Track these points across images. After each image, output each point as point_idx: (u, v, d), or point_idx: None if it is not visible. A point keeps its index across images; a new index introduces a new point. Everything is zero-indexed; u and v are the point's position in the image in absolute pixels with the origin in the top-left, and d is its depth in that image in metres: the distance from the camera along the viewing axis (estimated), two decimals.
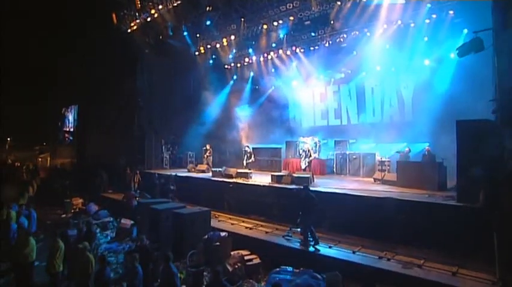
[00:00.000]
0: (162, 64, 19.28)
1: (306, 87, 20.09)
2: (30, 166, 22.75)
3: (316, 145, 16.54)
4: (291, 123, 21.32)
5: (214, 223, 11.70)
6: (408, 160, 13.21)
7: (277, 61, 19.94)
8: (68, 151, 25.93)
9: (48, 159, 27.44)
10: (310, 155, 14.00)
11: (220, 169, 15.59)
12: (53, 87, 25.15)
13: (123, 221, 13.22)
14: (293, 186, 12.04)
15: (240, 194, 13.38)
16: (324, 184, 12.78)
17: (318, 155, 16.47)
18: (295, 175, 12.92)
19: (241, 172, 14.89)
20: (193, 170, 17.58)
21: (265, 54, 19.99)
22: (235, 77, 21.89)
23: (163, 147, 19.75)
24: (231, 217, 12.99)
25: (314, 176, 13.49)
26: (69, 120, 26.13)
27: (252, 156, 15.75)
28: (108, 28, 18.00)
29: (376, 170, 14.59)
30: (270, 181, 13.19)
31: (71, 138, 26.14)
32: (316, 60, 18.12)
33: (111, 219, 14.29)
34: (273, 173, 13.66)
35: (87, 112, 23.46)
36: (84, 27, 20.07)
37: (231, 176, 14.86)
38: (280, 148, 17.97)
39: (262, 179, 13.98)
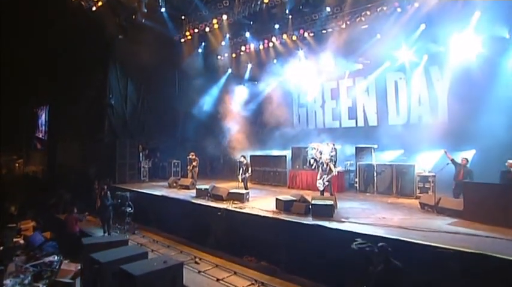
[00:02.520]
0: (139, 54, 14.96)
1: (314, 82, 16.43)
2: None
3: (331, 154, 11.89)
4: (296, 125, 17.74)
5: (191, 278, 7.47)
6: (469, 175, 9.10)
7: (280, 49, 15.87)
8: (40, 157, 21.38)
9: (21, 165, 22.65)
10: (329, 169, 9.27)
11: (206, 187, 11.37)
12: (22, 84, 20.31)
13: (64, 266, 8.80)
14: (312, 221, 7.80)
15: (232, 225, 9.32)
16: (351, 213, 8.61)
17: (334, 166, 11.61)
18: (312, 201, 8.60)
19: (235, 193, 10.60)
20: (174, 185, 13.55)
21: (266, 41, 15.93)
22: (229, 70, 18.26)
23: (141, 155, 15.82)
24: (218, 261, 8.78)
25: (335, 195, 9.41)
26: (42, 122, 21.37)
27: (249, 169, 11.66)
28: (68, 6, 13.56)
29: (416, 188, 10.66)
30: (274, 206, 9.19)
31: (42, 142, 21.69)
32: (329, 48, 14.24)
33: (56, 258, 9.80)
34: (278, 198, 9.26)
35: (58, 113, 19.01)
36: (43, 10, 15.56)
37: (220, 198, 10.65)
38: (285, 157, 14.30)
39: (263, 202, 10.04)
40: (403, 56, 13.37)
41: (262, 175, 14.68)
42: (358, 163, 12.66)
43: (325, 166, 9.75)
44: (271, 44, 15.85)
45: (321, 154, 11.24)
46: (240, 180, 11.74)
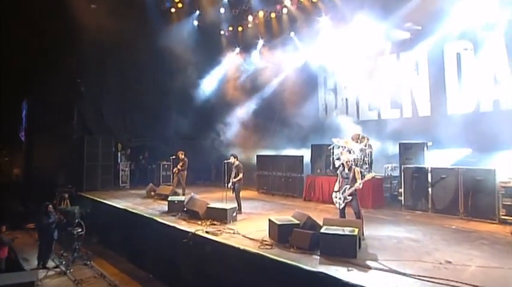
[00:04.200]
0: (119, 27, 12.87)
1: (345, 60, 14.11)
2: None
3: (365, 153, 10.20)
4: (321, 117, 15.74)
5: None
6: None
7: (298, 16, 13.71)
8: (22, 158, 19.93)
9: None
10: (352, 176, 6.96)
11: (181, 199, 9.46)
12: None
13: None
14: (316, 265, 5.26)
15: (202, 260, 7.11)
16: (390, 251, 6.02)
17: (369, 171, 9.38)
18: (324, 227, 6.01)
19: (216, 209, 8.33)
20: (151, 194, 11.79)
21: (278, 7, 13.77)
22: (236, 49, 16.41)
23: (121, 155, 14.49)
24: None
25: (362, 217, 6.79)
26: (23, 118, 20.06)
27: (240, 174, 9.45)
28: None
29: (499, 206, 7.73)
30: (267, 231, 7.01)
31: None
32: (363, 10, 12.17)
33: None
34: (272, 219, 6.87)
35: (35, 106, 17.28)
36: None
37: (196, 216, 8.43)
38: (301, 158, 12.37)
39: (258, 223, 7.88)
40: (471, 16, 10.62)
41: (272, 182, 12.96)
42: (403, 166, 9.86)
43: (346, 170, 6.91)
44: (285, 11, 13.75)
45: (350, 153, 9.62)
46: (228, 186, 9.48)
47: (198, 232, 7.28)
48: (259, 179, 13.18)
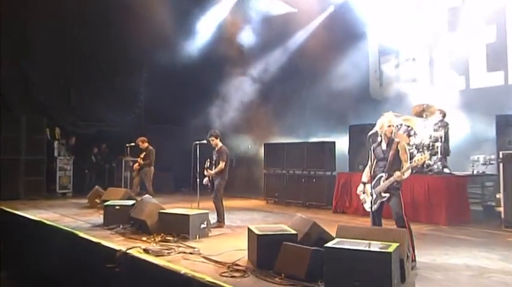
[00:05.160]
0: None
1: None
2: None
3: (438, 137, 10.61)
4: (373, 89, 16.24)
5: None
6: None
7: None
8: None
9: None
10: (391, 161, 6.82)
11: (127, 203, 9.48)
12: None
13: None
14: None
15: None
16: None
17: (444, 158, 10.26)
18: (336, 239, 5.81)
19: (173, 216, 8.34)
20: (95, 202, 12.14)
21: None
22: None
23: (59, 146, 14.84)
24: None
25: (408, 226, 6.57)
26: None
27: (221, 161, 9.60)
28: None
29: None
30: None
31: None
32: None
33: None
34: (251, 229, 6.77)
35: None
36: None
37: (145, 227, 8.39)
38: (332, 144, 12.90)
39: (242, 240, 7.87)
40: None
41: (286, 185, 13.46)
42: (501, 154, 9.32)
43: (383, 145, 6.77)
44: None
45: (409, 136, 10.30)
46: (207, 187, 9.81)
47: (131, 251, 6.72)
48: (267, 181, 13.57)
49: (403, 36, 15.23)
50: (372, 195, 6.55)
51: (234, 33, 16.72)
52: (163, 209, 8.63)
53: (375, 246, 5.00)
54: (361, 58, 16.12)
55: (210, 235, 8.30)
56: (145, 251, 6.79)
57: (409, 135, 10.37)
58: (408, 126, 10.69)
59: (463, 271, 5.97)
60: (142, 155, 12.24)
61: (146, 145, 12.31)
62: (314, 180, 12.48)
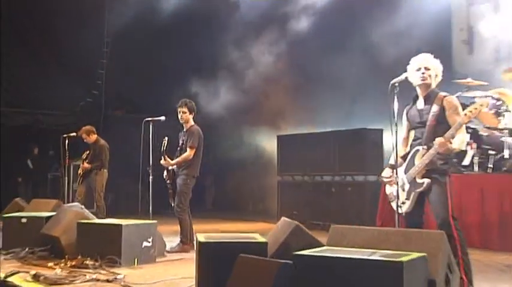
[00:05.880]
0: None
1: None
2: None
3: None
4: (454, 58, 16.09)
5: None
6: None
7: None
8: None
9: None
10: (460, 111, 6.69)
11: (37, 215, 9.83)
12: None
13: None
14: None
15: None
16: None
17: None
18: (326, 248, 6.01)
19: (99, 227, 8.77)
20: None
21: None
22: None
23: None
24: None
25: (455, 232, 6.44)
26: None
27: (190, 148, 9.86)
28: None
29: None
30: None
31: None
32: None
33: None
34: (200, 236, 7.09)
35: None
36: None
37: (58, 248, 8.54)
38: (379, 132, 12.74)
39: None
40: None
41: (311, 198, 13.50)
42: None
43: (421, 102, 6.59)
44: None
45: (498, 116, 10.64)
46: (168, 188, 9.97)
47: (12, 279, 6.77)
48: (282, 193, 13.69)
49: None
50: (402, 185, 6.25)
51: None
52: (87, 219, 8.57)
53: (381, 255, 4.64)
54: (440, 9, 15.78)
55: (162, 259, 8.24)
56: (35, 278, 6.69)
57: (497, 115, 10.18)
58: (498, 100, 10.46)
59: None
60: (88, 153, 12.27)
61: (94, 137, 12.22)
62: (350, 189, 12.40)
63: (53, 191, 15.89)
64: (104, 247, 7.73)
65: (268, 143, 14.39)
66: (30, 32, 16.88)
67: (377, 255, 4.68)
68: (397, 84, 6.41)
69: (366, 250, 4.92)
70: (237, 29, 17.73)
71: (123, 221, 8.24)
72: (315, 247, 5.78)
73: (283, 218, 6.94)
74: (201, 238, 6.47)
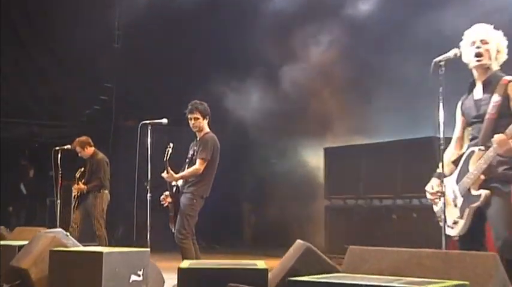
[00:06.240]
0: None
1: None
2: None
3: None
4: None
5: None
6: None
7: None
8: None
9: None
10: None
11: (12, 243, 10.90)
12: None
13: None
14: None
15: None
16: None
17: None
18: (340, 275, 6.46)
19: (77, 256, 8.97)
20: None
21: None
22: None
23: None
24: None
25: None
26: None
27: (201, 160, 10.28)
28: None
29: None
30: None
31: None
32: None
33: None
34: (182, 267, 7.35)
35: None
36: None
37: (28, 285, 9.19)
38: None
39: None
40: None
41: (367, 226, 13.94)
42: None
43: (479, 94, 6.76)
44: None
45: None
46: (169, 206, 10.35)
47: None
48: (331, 221, 13.96)
49: None
50: (453, 198, 6.34)
51: None
52: (67, 246, 8.57)
53: (404, 282, 4.64)
54: None
55: None
56: None
57: None
58: None
59: None
60: (84, 170, 12.78)
61: (91, 150, 12.72)
62: (415, 215, 12.41)
63: (52, 219, 15.91)
64: (81, 281, 7.69)
65: (313, 158, 14.16)
66: (22, 24, 17.34)
67: (398, 283, 4.64)
68: (442, 63, 6.36)
69: (388, 277, 4.93)
70: (275, 16, 17.55)
71: (105, 249, 8.33)
72: (328, 273, 5.87)
73: (297, 241, 6.89)
74: (185, 264, 6.73)
